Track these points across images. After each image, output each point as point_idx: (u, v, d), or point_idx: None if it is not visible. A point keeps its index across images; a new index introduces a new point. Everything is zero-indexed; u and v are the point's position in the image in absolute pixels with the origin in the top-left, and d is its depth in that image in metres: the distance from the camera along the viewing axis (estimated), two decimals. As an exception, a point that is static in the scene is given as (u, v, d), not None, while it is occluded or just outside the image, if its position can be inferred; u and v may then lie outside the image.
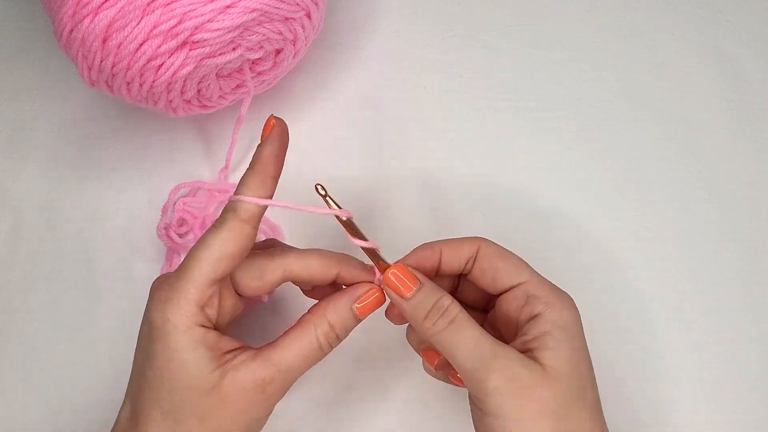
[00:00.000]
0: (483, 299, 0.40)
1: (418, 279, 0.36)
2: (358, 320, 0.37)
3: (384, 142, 0.52)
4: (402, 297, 0.36)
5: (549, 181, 0.51)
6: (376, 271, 0.38)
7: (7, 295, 0.48)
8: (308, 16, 0.45)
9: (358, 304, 0.37)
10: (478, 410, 0.34)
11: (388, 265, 0.37)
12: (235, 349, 0.35)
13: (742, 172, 0.52)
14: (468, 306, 0.41)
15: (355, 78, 0.54)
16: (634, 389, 0.46)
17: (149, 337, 0.34)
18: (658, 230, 0.50)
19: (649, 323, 0.48)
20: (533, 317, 0.35)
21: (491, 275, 0.38)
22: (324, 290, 0.39)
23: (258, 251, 0.37)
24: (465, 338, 0.34)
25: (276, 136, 0.37)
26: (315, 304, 0.37)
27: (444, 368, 0.39)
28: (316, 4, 0.45)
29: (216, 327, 0.35)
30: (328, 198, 0.37)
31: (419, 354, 0.40)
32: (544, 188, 0.51)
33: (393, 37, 0.56)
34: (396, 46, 0.55)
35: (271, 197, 0.36)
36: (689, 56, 0.55)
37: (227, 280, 0.36)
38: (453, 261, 0.38)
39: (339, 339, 0.37)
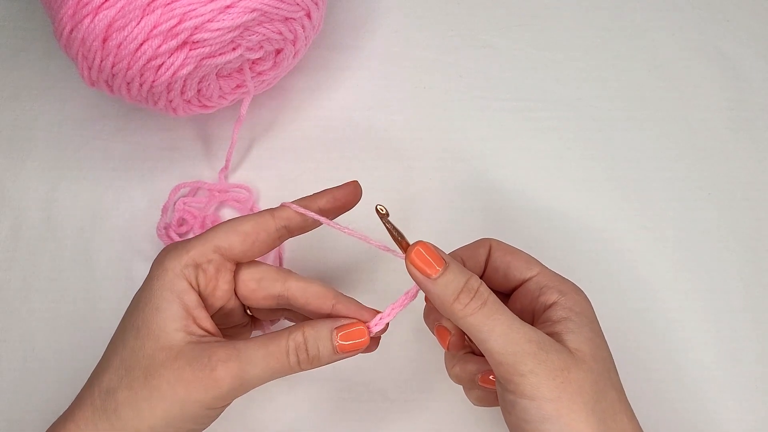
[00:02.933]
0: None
1: (443, 258, 0.34)
2: (335, 351, 0.35)
3: (384, 142, 0.52)
4: (428, 276, 0.34)
5: (549, 180, 0.51)
6: (371, 312, 0.37)
7: (7, 295, 0.48)
8: (308, 16, 0.45)
9: (340, 333, 0.35)
10: (511, 394, 0.33)
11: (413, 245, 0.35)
12: (210, 332, 0.35)
13: (742, 172, 0.52)
14: None
15: (355, 78, 0.54)
16: (632, 389, 0.46)
17: (141, 286, 0.36)
18: (657, 230, 0.50)
19: (649, 323, 0.48)
20: (549, 306, 0.36)
21: (503, 272, 0.38)
22: None
23: (266, 263, 0.39)
24: (498, 321, 0.33)
25: (347, 186, 0.39)
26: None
27: (455, 348, 0.38)
28: (316, 4, 0.45)
29: (204, 303, 0.36)
30: (388, 220, 0.36)
31: (433, 333, 0.39)
32: (543, 188, 0.51)
33: (393, 37, 0.56)
34: (396, 46, 0.55)
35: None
36: (689, 56, 0.55)
37: (230, 267, 0.37)
38: (474, 267, 0.38)
39: (309, 357, 0.35)
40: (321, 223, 0.38)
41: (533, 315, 0.37)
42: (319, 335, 0.35)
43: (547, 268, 0.38)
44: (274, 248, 0.38)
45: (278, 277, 0.37)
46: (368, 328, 0.36)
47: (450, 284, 0.34)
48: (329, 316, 0.37)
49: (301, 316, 0.39)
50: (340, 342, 0.35)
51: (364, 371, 0.46)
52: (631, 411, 0.35)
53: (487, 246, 0.39)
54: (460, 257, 0.38)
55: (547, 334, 0.34)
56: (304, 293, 0.37)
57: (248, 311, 0.40)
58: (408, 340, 0.47)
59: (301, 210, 0.37)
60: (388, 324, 0.36)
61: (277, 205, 0.38)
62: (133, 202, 0.51)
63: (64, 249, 0.50)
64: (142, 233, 0.50)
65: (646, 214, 0.51)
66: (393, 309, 0.36)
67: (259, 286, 0.37)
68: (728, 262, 0.49)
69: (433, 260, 0.34)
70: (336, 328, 0.35)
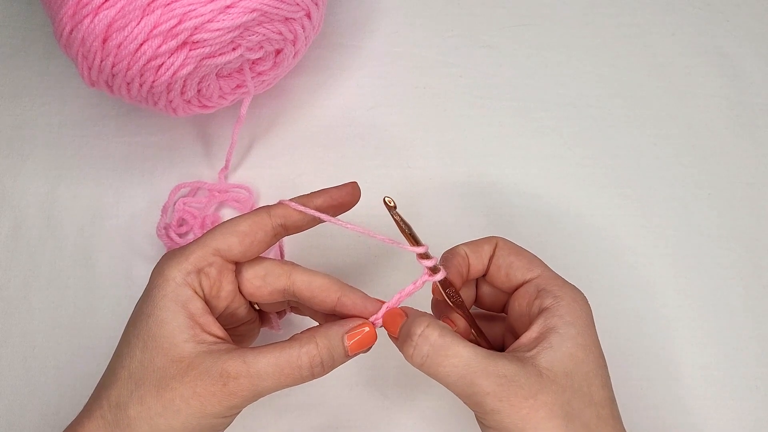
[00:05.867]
0: (501, 302, 0.40)
1: (405, 315, 0.36)
2: (347, 354, 0.35)
3: (384, 143, 0.52)
4: (396, 337, 0.35)
5: (549, 180, 0.51)
6: (376, 302, 0.37)
7: (7, 295, 0.48)
8: (308, 16, 0.45)
9: (349, 336, 0.35)
10: (483, 425, 0.34)
11: (440, 268, 0.36)
12: (219, 338, 0.35)
13: (742, 172, 0.52)
14: (487, 310, 0.41)
15: (355, 78, 0.54)
16: (632, 389, 0.46)
17: (143, 295, 0.36)
18: (657, 230, 0.50)
19: (649, 323, 0.48)
20: (542, 311, 0.35)
21: (505, 271, 0.38)
22: (326, 318, 0.39)
23: (269, 258, 0.38)
24: (452, 365, 0.33)
25: (345, 186, 0.39)
26: (307, 329, 0.36)
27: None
28: (316, 4, 0.45)
29: (209, 307, 0.36)
30: (396, 212, 0.36)
31: None
32: (543, 188, 0.51)
33: (393, 37, 0.56)
34: (396, 46, 0.55)
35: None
36: (689, 56, 0.55)
37: (231, 268, 0.37)
38: (477, 263, 0.38)
39: (323, 365, 0.35)
40: (318, 223, 0.38)
41: (529, 319, 0.36)
42: (332, 344, 0.35)
43: (551, 270, 0.38)
44: (271, 246, 0.38)
45: (282, 271, 0.37)
46: (374, 324, 0.36)
47: (401, 337, 0.35)
48: (334, 310, 0.37)
49: (310, 309, 0.39)
50: (350, 343, 0.35)
51: (364, 371, 0.46)
52: (614, 425, 0.34)
53: (493, 244, 0.38)
54: (465, 251, 0.38)
55: (529, 344, 0.34)
56: (309, 286, 0.37)
57: (255, 306, 0.40)
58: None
59: (301, 207, 0.37)
60: None
61: (275, 203, 0.38)
62: (133, 202, 0.51)
63: (64, 249, 0.50)
64: (142, 233, 0.50)
65: (646, 214, 0.51)
66: (398, 300, 0.36)
67: (264, 282, 0.37)
68: (728, 262, 0.49)
69: (394, 323, 0.35)
70: (346, 333, 0.35)
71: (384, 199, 0.35)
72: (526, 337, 0.35)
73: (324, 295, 0.37)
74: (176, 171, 0.52)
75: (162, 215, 0.49)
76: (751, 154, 0.52)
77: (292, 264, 0.38)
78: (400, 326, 0.35)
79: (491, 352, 0.34)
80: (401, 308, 0.36)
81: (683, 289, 0.49)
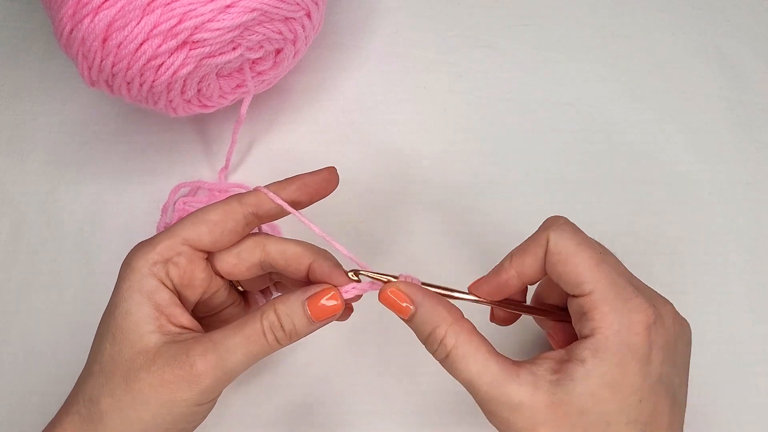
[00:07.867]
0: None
1: (412, 302, 0.34)
2: (311, 321, 0.34)
3: (384, 143, 0.52)
4: (402, 317, 0.35)
5: (549, 181, 0.51)
6: (344, 273, 0.36)
7: (7, 295, 0.48)
8: (308, 15, 0.45)
9: (311, 302, 0.34)
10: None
11: (392, 281, 0.35)
12: (186, 328, 0.35)
13: (742, 172, 0.52)
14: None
15: (355, 78, 0.54)
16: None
17: (113, 289, 0.35)
18: (657, 230, 0.50)
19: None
20: (581, 338, 0.33)
21: (556, 278, 0.35)
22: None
23: None
24: (465, 372, 0.33)
25: (321, 172, 0.38)
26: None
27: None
28: (316, 4, 0.45)
29: (180, 299, 0.36)
30: (363, 275, 0.35)
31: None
32: (544, 188, 0.51)
33: (393, 37, 0.56)
34: (396, 46, 0.55)
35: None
36: (689, 56, 0.55)
37: (203, 256, 0.36)
38: (534, 273, 0.36)
39: (285, 333, 0.34)
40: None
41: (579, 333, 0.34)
42: (291, 310, 0.34)
43: (609, 282, 0.33)
44: (244, 236, 0.37)
45: (255, 244, 0.37)
46: (340, 291, 0.35)
47: (419, 328, 0.34)
48: (307, 277, 0.36)
49: (291, 280, 0.38)
50: (313, 309, 0.34)
51: (363, 370, 0.46)
52: None
53: (544, 243, 0.35)
54: (512, 264, 0.36)
55: (556, 363, 0.33)
56: (283, 255, 0.36)
57: (239, 288, 0.40)
58: (407, 336, 0.47)
59: (272, 196, 0.36)
60: (360, 296, 0.36)
61: (250, 190, 0.37)
62: (133, 202, 0.51)
63: (64, 249, 0.50)
64: (142, 233, 0.49)
65: (646, 215, 0.51)
66: (370, 285, 0.35)
67: (240, 258, 0.37)
68: (728, 262, 0.49)
69: (402, 304, 0.34)
70: (307, 298, 0.34)
71: (347, 275, 0.35)
72: (559, 353, 0.33)
73: (297, 262, 0.36)
74: (176, 171, 0.52)
75: (162, 215, 0.49)
76: (751, 154, 0.52)
77: (266, 235, 0.37)
78: (411, 315, 0.34)
79: (506, 366, 0.33)
80: (408, 295, 0.34)
81: (683, 289, 0.49)
